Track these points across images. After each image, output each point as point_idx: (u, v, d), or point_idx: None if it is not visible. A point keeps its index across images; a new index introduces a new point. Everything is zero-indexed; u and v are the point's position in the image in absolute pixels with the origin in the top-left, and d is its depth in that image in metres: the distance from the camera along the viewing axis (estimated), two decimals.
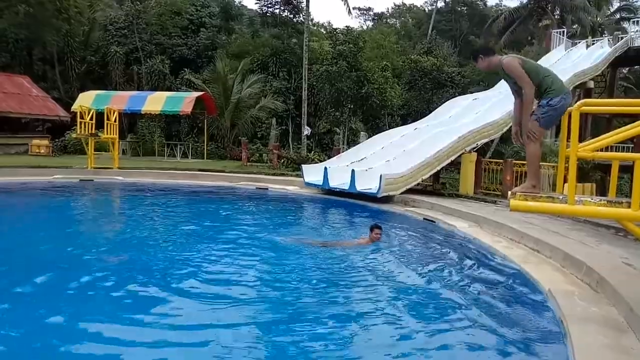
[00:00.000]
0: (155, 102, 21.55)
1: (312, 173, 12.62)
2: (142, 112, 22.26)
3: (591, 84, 19.16)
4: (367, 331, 4.01)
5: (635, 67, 26.05)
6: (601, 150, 4.29)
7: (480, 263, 6.21)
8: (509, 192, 4.38)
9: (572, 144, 3.91)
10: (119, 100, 21.32)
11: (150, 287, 4.86)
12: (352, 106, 23.07)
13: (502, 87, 18.36)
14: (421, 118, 17.07)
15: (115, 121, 15.49)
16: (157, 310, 4.24)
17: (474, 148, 12.48)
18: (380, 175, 10.51)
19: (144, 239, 7.19)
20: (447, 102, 17.39)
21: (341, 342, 3.79)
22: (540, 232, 7.00)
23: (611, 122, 21.74)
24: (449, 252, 6.75)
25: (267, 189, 12.93)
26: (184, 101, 21.23)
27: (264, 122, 25.66)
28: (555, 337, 3.91)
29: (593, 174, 12.81)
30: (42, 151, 19.93)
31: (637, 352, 3.32)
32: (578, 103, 3.95)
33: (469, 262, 6.24)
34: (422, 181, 11.94)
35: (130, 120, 26.60)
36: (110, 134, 15.35)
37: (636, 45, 20.93)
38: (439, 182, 12.87)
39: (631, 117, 11.03)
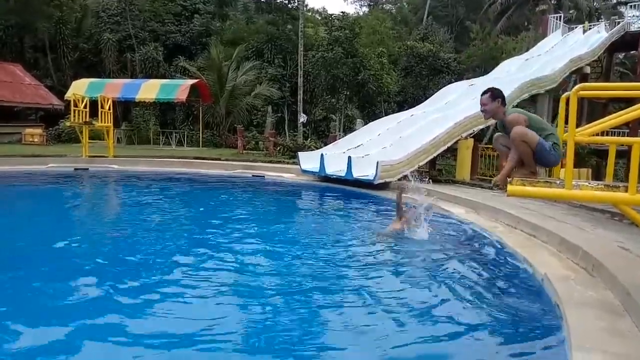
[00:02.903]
0: (149, 89, 21.37)
1: (309, 160, 12.59)
2: (137, 100, 22.08)
3: (587, 70, 19.12)
4: (356, 313, 4.03)
5: (632, 52, 25.97)
6: (598, 134, 4.28)
7: (477, 248, 6.23)
8: (493, 180, 4.38)
9: (570, 128, 3.88)
10: (113, 88, 21.12)
11: (146, 276, 4.84)
12: (348, 93, 22.97)
13: (499, 72, 18.31)
14: (417, 104, 17.02)
15: (109, 109, 15.36)
16: (153, 297, 4.22)
17: (471, 134, 12.46)
18: (377, 162, 10.49)
19: (140, 227, 7.16)
20: (443, 88, 17.32)
21: (334, 320, 3.83)
22: (536, 218, 7.01)
23: (607, 108, 21.76)
24: (446, 238, 6.76)
25: (263, 176, 12.89)
26: (179, 89, 21.06)
27: (260, 110, 25.54)
28: (551, 321, 3.91)
29: (589, 159, 12.86)
30: (36, 140, 19.78)
31: (633, 335, 3.34)
32: (576, 87, 3.91)
33: (465, 248, 6.26)
34: (418, 168, 11.93)
35: (125, 109, 26.41)
36: (105, 122, 15.24)
37: (633, 30, 20.87)
38: (436, 169, 12.87)
39: (627, 102, 11.02)
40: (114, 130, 16.66)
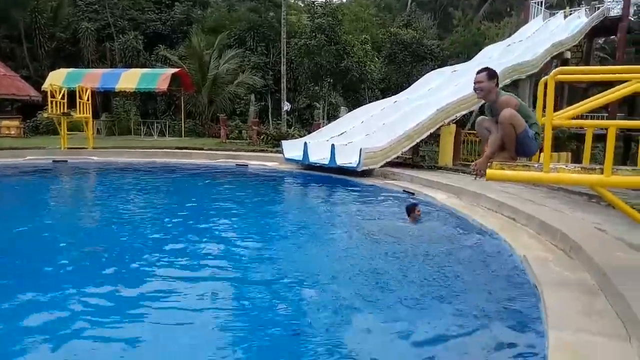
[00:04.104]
0: (129, 79, 20.98)
1: (292, 149, 12.53)
2: (117, 90, 21.67)
3: (568, 55, 19.29)
4: (343, 295, 4.05)
5: (611, 37, 26.28)
6: (576, 118, 4.30)
7: (459, 232, 6.29)
8: (472, 164, 4.39)
9: (548, 112, 3.90)
10: (92, 78, 20.68)
11: (128, 267, 4.78)
12: (331, 80, 22.85)
13: (481, 58, 18.37)
14: (401, 91, 17.01)
15: (88, 100, 15.06)
16: (135, 291, 4.17)
17: (453, 120, 12.52)
18: (360, 149, 10.49)
19: (121, 219, 7.06)
20: (427, 74, 17.33)
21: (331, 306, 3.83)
22: (516, 201, 7.09)
23: (587, 92, 22.01)
24: (428, 223, 6.80)
25: (247, 165, 12.81)
26: (160, 78, 20.71)
27: (243, 99, 25.29)
28: (529, 301, 3.96)
29: (569, 143, 13.03)
30: (13, 132, 19.34)
31: (606, 313, 3.40)
32: (554, 71, 3.93)
33: (447, 231, 6.32)
34: (401, 154, 11.97)
35: (105, 99, 25.92)
36: (83, 113, 14.93)
37: (612, 15, 21.07)
38: (419, 155, 12.93)
39: (606, 86, 11.14)
40: (93, 121, 16.35)
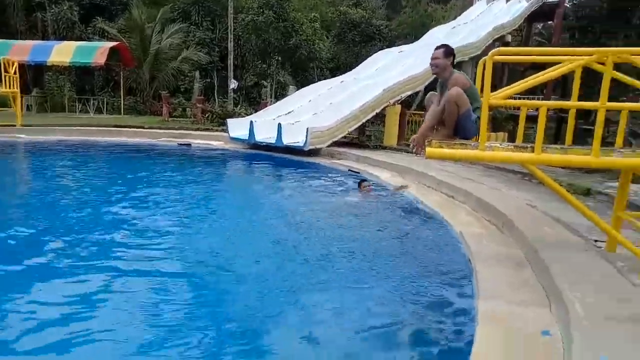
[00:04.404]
0: (63, 52, 19.63)
1: (238, 127, 12.26)
2: (49, 64, 20.23)
3: (509, 38, 19.96)
4: (285, 274, 4.02)
5: (549, 22, 27.46)
6: (511, 99, 4.42)
7: (400, 209, 6.42)
8: (411, 138, 4.45)
9: (485, 92, 3.97)
10: (20, 50, 19.18)
11: (61, 254, 4.47)
12: (279, 58, 22.48)
13: (427, 40, 18.65)
14: (350, 71, 17.01)
15: (15, 73, 13.95)
16: (68, 280, 3.91)
17: (398, 100, 12.67)
18: (307, 129, 10.42)
19: (53, 202, 6.62)
20: (374, 54, 17.40)
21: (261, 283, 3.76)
22: (455, 180, 7.31)
23: (525, 74, 22.95)
24: (371, 201, 6.89)
25: (190, 144, 12.41)
26: (97, 52, 19.53)
27: (187, 75, 24.36)
28: (464, 274, 4.12)
29: (506, 124, 13.57)
30: None
31: (533, 284, 3.58)
32: (492, 52, 3.99)
33: (389, 209, 6.44)
34: (348, 134, 12.02)
35: (36, 73, 24.13)
36: (10, 88, 13.83)
37: (550, 1, 21.93)
38: (365, 135, 13.03)
39: (541, 70, 11.62)
40: (22, 96, 15.20)
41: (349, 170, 9.26)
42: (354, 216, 6.07)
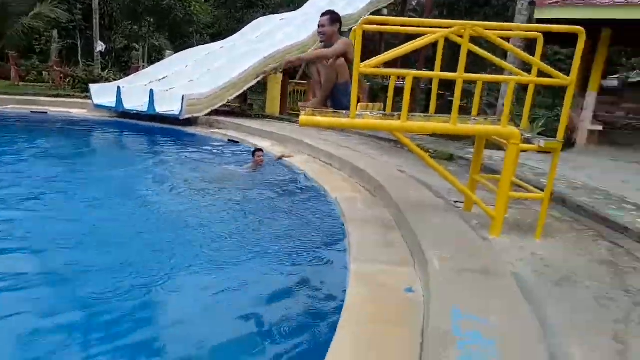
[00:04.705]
0: None
1: (103, 94, 11.09)
2: None
3: (385, 12, 20.76)
4: (163, 250, 3.77)
5: None
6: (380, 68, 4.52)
7: (279, 177, 6.41)
8: (300, 106, 4.38)
9: (355, 61, 4.00)
10: None
11: None
12: (152, 20, 20.71)
13: (309, 8, 18.59)
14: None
15: None
16: None
17: (278, 69, 12.49)
18: (183, 96, 9.80)
19: None
20: (254, 21, 16.87)
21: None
22: (333, 148, 7.47)
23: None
24: (252, 172, 6.74)
25: (46, 112, 10.95)
26: None
27: (43, 35, 21.34)
28: (338, 237, 4.25)
29: (382, 95, 14.22)
30: None
31: (399, 244, 3.77)
32: (361, 20, 4.02)
33: (268, 177, 6.38)
34: (228, 102, 11.59)
35: None
36: None
37: None
38: (247, 103, 12.71)
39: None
40: None
41: (228, 140, 8.96)
42: (232, 187, 5.89)
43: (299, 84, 13.81)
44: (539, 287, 2.91)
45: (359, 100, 4.94)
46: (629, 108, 13.23)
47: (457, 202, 4.84)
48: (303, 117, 3.87)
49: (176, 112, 9.87)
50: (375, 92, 13.33)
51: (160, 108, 10.08)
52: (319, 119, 3.93)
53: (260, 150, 6.91)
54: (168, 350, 2.60)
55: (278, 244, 4.09)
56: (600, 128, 9.16)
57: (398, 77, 5.35)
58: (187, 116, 9.88)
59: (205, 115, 10.44)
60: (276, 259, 3.79)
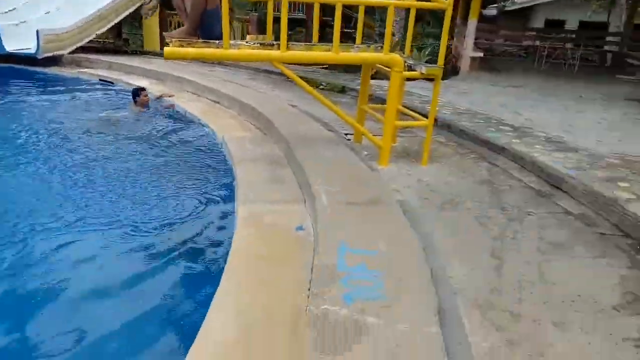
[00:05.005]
0: None
1: None
2: None
3: None
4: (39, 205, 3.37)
5: None
6: None
7: (163, 119, 5.86)
8: (166, 36, 3.85)
9: None
10: None
11: None
12: None
13: None
14: None
15: None
16: None
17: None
18: (37, 31, 8.37)
19: None
20: None
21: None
22: (220, 84, 6.96)
23: None
24: (126, 111, 6.07)
25: None
26: None
27: None
28: (226, 179, 4.03)
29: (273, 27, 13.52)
30: None
31: (289, 181, 3.60)
32: None
33: (148, 119, 5.80)
34: (98, 37, 10.21)
35: None
36: None
37: None
38: (121, 38, 11.34)
39: None
40: None
41: (99, 80, 7.94)
42: (109, 132, 5.29)
43: (178, 15, 12.55)
44: (424, 213, 2.93)
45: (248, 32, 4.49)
46: (506, 35, 14.10)
47: (348, 134, 4.75)
48: (168, 49, 3.40)
49: (33, 51, 8.45)
50: (262, 22, 12.60)
51: (12, 46, 8.55)
52: (186, 50, 3.49)
53: (144, 89, 6.20)
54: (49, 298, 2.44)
55: (164, 191, 3.79)
56: (481, 55, 9.61)
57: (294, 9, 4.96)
58: (47, 54, 8.53)
59: (71, 53, 9.10)
60: (161, 207, 3.50)
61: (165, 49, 3.39)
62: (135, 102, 6.05)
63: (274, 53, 3.53)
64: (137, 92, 6.12)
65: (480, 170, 3.84)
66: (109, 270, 2.73)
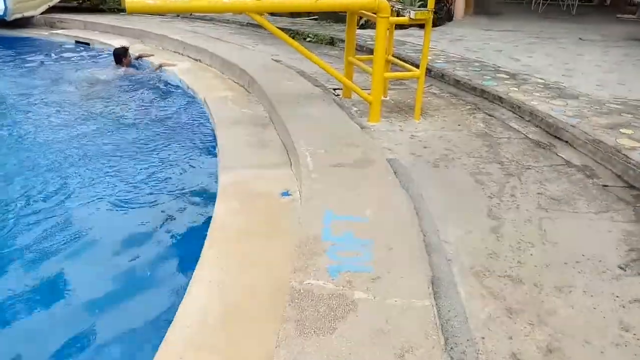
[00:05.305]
0: None
1: None
2: None
3: None
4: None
5: None
6: None
7: (140, 79, 5.57)
8: None
9: None
10: None
11: None
12: None
13: None
14: None
15: None
16: None
17: None
18: None
19: None
20: None
21: None
22: (202, 40, 6.58)
23: None
24: (107, 73, 5.75)
25: None
26: None
27: None
28: (208, 144, 3.86)
29: None
30: None
31: (274, 144, 3.40)
32: None
33: (127, 81, 5.51)
34: None
35: None
36: None
37: None
38: None
39: None
40: None
41: (75, 42, 7.52)
42: (86, 96, 5.02)
43: None
44: (417, 171, 2.75)
45: None
46: None
47: (336, 89, 4.49)
48: (129, 1, 3.09)
49: (0, 13, 7.95)
50: None
51: None
52: (149, 3, 3.17)
53: (126, 49, 5.89)
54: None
55: (143, 161, 3.60)
56: None
57: None
58: (16, 16, 8.03)
59: (43, 13, 8.58)
60: (139, 179, 3.30)
61: (127, 1, 3.08)
62: (119, 63, 5.75)
63: (249, 2, 3.22)
64: (121, 52, 5.80)
65: (476, 122, 3.64)
66: (85, 240, 2.61)
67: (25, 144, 3.86)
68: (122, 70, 5.72)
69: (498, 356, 1.46)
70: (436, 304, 1.62)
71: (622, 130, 3.15)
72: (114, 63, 5.83)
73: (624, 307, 1.70)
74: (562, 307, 1.69)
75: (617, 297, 1.75)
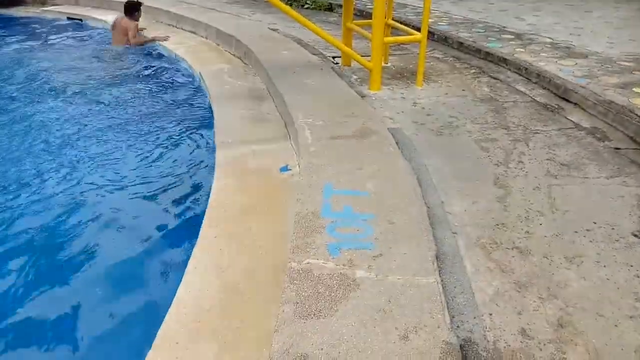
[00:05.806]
0: None
1: None
2: None
3: None
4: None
5: None
6: None
7: (136, 54, 5.42)
8: None
9: None
10: None
11: None
12: None
13: None
14: None
15: None
16: None
17: None
18: None
19: None
20: None
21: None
22: (196, 12, 6.37)
23: None
24: (103, 49, 5.63)
25: None
26: None
27: None
28: (205, 119, 3.75)
29: None
30: None
31: (272, 117, 3.29)
32: None
33: (124, 56, 5.39)
34: None
35: None
36: None
37: None
38: None
39: None
40: None
41: (67, 18, 7.33)
42: (82, 72, 4.89)
43: None
44: (420, 140, 2.65)
45: None
46: None
47: (336, 57, 4.34)
48: None
49: None
50: None
51: None
52: None
53: (141, 3, 5.79)
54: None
55: (138, 139, 3.49)
56: None
57: None
58: None
59: None
60: (133, 157, 3.22)
61: None
62: (130, 15, 5.63)
63: None
64: (135, 4, 5.64)
65: (481, 87, 3.50)
66: (81, 221, 2.54)
67: (23, 123, 3.78)
68: (118, 48, 5.58)
69: (507, 333, 1.40)
70: (441, 280, 1.55)
71: (635, 89, 3.01)
72: (110, 27, 5.77)
73: (638, 276, 1.63)
74: (574, 279, 1.62)
75: (631, 266, 1.67)
